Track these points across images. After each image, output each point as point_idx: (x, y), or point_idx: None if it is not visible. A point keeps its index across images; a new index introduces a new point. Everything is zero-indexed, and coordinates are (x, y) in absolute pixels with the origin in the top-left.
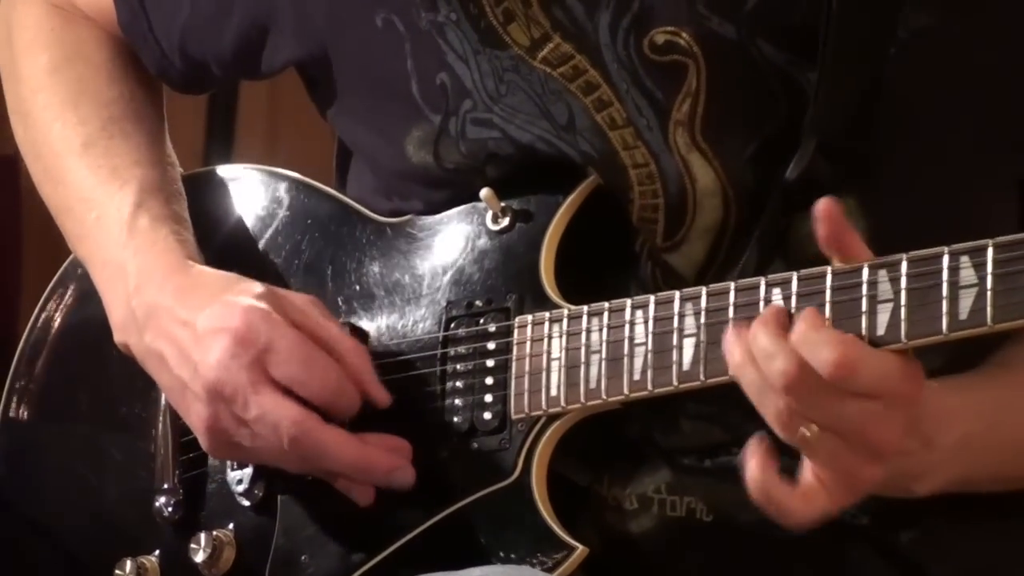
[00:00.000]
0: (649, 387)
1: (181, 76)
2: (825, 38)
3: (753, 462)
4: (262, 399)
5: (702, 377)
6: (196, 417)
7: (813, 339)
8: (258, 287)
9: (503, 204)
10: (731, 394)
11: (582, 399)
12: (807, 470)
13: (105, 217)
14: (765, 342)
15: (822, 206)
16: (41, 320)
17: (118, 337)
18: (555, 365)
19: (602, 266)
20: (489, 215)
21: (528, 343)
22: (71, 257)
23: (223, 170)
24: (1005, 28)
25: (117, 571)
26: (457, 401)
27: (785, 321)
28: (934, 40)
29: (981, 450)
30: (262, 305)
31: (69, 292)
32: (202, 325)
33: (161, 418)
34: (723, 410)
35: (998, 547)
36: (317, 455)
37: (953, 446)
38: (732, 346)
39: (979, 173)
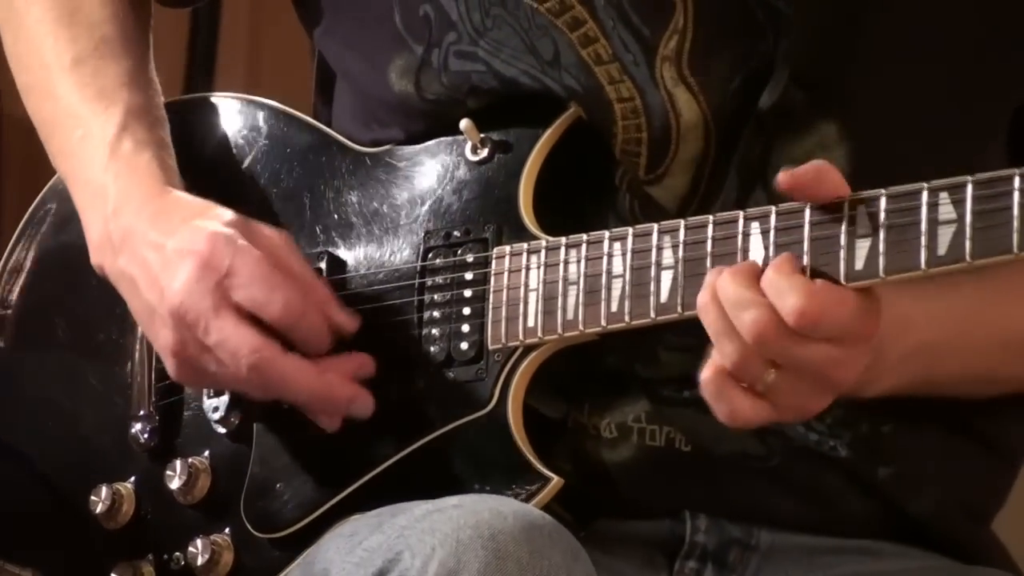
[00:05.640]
0: (626, 318)
1: None
2: None
3: (711, 365)
4: (223, 324)
5: (679, 309)
6: (163, 342)
7: (781, 286)
8: (229, 214)
9: (483, 135)
10: None
11: (559, 329)
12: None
13: (89, 136)
14: (733, 291)
15: (779, 180)
16: (20, 243)
17: (94, 258)
18: (532, 296)
19: (581, 198)
20: (468, 146)
21: (506, 274)
22: (51, 181)
23: (205, 98)
24: None
25: (92, 497)
26: (434, 331)
27: (757, 272)
28: None
29: (946, 356)
30: (228, 231)
31: (49, 216)
32: (170, 248)
33: (138, 344)
34: (702, 342)
35: (976, 485)
36: (276, 383)
37: (905, 354)
38: (701, 291)
39: (963, 106)
